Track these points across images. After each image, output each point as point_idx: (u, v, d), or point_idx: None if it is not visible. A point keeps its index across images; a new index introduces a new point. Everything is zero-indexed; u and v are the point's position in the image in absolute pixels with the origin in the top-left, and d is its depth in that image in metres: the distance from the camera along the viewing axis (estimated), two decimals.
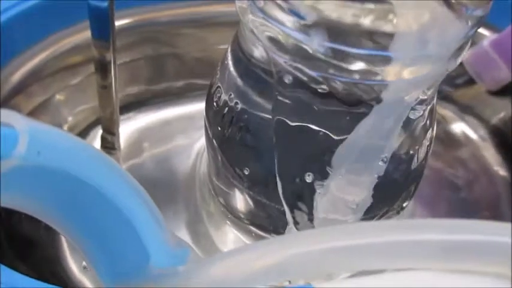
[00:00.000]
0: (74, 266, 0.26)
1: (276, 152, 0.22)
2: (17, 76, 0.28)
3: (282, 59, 0.20)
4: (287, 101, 0.21)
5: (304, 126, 0.22)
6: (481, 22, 0.20)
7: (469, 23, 0.19)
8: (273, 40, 0.20)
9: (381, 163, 0.22)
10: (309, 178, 0.23)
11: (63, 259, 0.26)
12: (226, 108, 0.23)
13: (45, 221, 0.16)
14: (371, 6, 0.18)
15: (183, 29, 0.33)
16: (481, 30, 0.33)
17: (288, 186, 0.23)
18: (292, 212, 0.23)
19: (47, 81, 0.30)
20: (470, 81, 0.33)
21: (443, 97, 0.35)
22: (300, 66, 0.20)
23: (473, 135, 0.34)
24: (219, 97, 0.23)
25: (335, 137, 0.21)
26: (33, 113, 0.29)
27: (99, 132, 0.30)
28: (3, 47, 0.27)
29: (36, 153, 0.14)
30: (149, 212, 0.16)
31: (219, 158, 0.24)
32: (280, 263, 0.14)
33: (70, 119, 0.31)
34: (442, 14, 0.18)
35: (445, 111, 0.35)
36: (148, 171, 0.31)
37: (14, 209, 0.15)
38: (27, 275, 0.19)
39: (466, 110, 0.35)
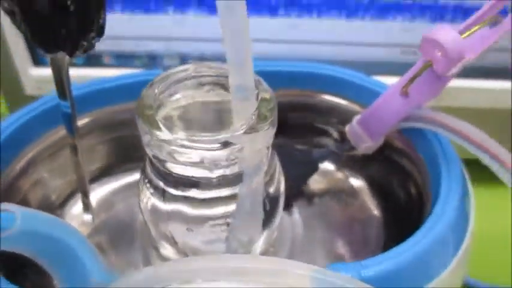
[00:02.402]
0: None
1: None
2: (18, 166, 0.35)
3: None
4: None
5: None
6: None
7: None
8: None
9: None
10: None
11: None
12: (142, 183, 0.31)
13: (32, 259, 0.23)
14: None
15: None
16: (356, 107, 0.40)
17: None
18: None
19: (39, 164, 0.36)
20: (353, 147, 0.38)
21: (335, 160, 0.42)
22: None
23: (355, 184, 0.42)
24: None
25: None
26: (30, 189, 0.36)
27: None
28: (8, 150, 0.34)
29: (28, 223, 0.22)
30: (91, 253, 0.25)
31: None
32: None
33: (58, 189, 0.38)
34: None
35: (340, 170, 0.42)
36: (116, 221, 0.38)
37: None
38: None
39: (350, 167, 0.42)
